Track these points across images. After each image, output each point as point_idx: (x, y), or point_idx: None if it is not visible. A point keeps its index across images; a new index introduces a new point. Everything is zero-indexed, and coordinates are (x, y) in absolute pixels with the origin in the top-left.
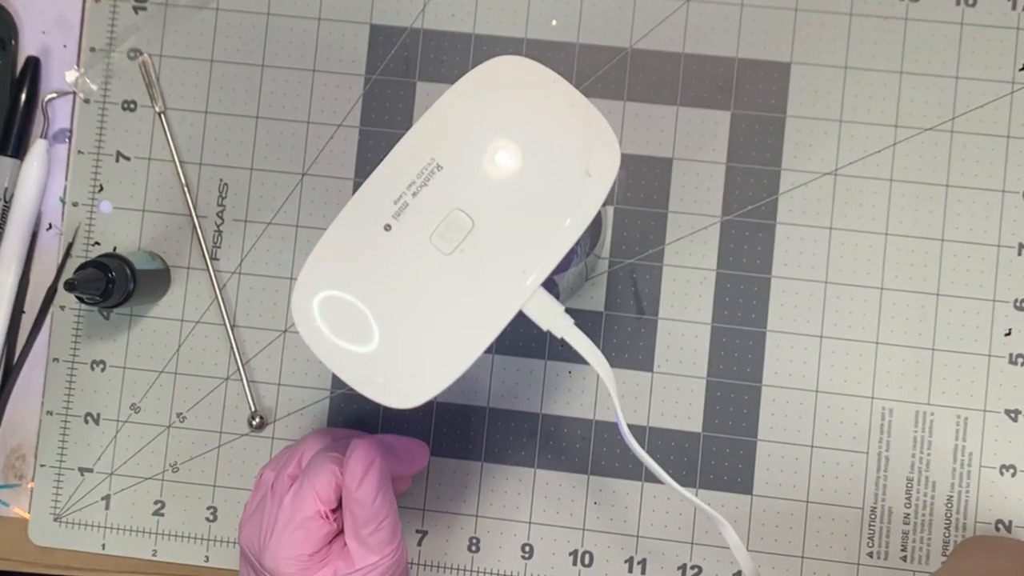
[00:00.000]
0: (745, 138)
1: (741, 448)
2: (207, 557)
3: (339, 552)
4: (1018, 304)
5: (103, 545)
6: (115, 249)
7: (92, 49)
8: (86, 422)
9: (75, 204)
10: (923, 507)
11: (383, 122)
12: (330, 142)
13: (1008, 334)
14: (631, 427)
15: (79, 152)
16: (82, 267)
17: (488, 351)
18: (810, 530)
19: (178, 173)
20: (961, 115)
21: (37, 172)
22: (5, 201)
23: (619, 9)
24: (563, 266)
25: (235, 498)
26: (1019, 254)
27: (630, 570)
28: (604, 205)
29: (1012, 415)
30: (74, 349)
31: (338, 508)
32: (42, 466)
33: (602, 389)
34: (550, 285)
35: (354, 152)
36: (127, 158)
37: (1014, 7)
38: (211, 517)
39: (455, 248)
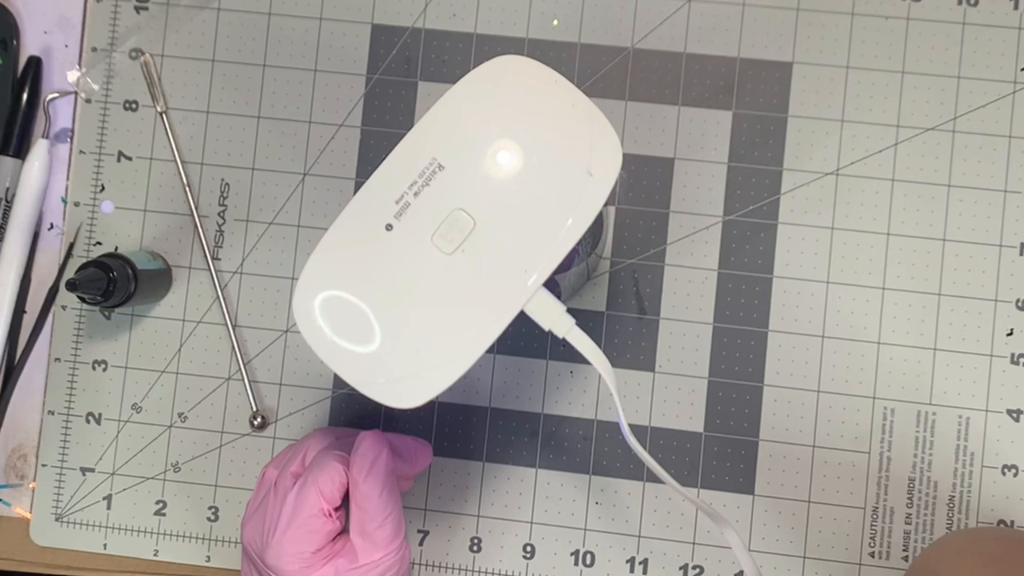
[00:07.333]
0: (747, 138)
1: (743, 448)
2: (208, 557)
3: (342, 549)
4: (1020, 304)
5: (104, 545)
6: (116, 249)
7: (94, 49)
8: (87, 422)
9: (76, 204)
10: (925, 507)
11: (384, 122)
12: (331, 142)
13: (1010, 334)
14: (633, 427)
15: (80, 152)
16: (83, 267)
17: (490, 351)
18: (812, 530)
19: (179, 173)
20: (963, 115)
21: (38, 172)
22: (7, 201)
23: (621, 9)
24: (565, 266)
25: (237, 498)
26: (1021, 254)
27: (631, 570)
28: (606, 205)
29: (1014, 415)
30: (75, 349)
31: (341, 506)
32: (44, 466)
33: (604, 389)
34: (552, 285)
35: (355, 152)
36: (128, 158)
37: (1016, 7)
38: (212, 517)
39: (456, 248)
